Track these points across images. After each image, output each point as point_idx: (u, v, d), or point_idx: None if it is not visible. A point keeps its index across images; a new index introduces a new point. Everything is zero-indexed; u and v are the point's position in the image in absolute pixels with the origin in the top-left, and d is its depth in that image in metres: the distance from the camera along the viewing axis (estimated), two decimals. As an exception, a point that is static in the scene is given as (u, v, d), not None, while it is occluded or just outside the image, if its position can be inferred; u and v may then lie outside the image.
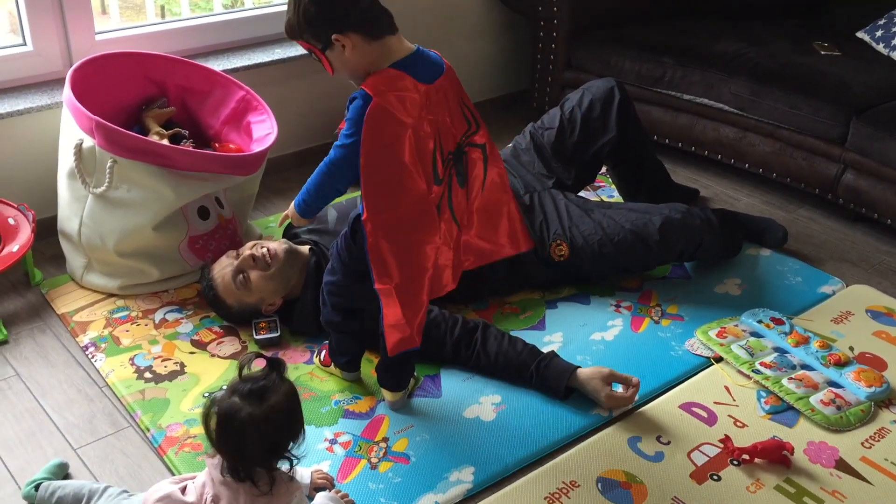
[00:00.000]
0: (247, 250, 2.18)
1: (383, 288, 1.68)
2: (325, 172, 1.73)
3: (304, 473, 1.70)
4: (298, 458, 1.51)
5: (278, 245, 2.19)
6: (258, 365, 1.50)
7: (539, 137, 2.59)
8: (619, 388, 1.97)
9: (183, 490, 1.52)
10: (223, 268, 2.18)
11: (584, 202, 2.42)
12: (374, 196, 1.66)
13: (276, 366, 1.48)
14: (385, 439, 1.88)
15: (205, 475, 1.51)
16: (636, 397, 1.98)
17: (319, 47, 1.66)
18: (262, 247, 2.18)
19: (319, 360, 2.08)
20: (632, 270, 2.46)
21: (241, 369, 1.47)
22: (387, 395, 1.96)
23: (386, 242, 1.68)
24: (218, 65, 2.71)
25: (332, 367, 2.04)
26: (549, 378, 1.99)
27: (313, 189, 1.77)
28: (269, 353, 2.09)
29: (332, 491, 1.71)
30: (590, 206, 2.40)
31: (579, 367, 2.00)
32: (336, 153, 1.70)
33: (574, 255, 2.31)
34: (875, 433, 1.94)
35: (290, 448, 1.49)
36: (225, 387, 1.49)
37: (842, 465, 1.85)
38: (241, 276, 2.15)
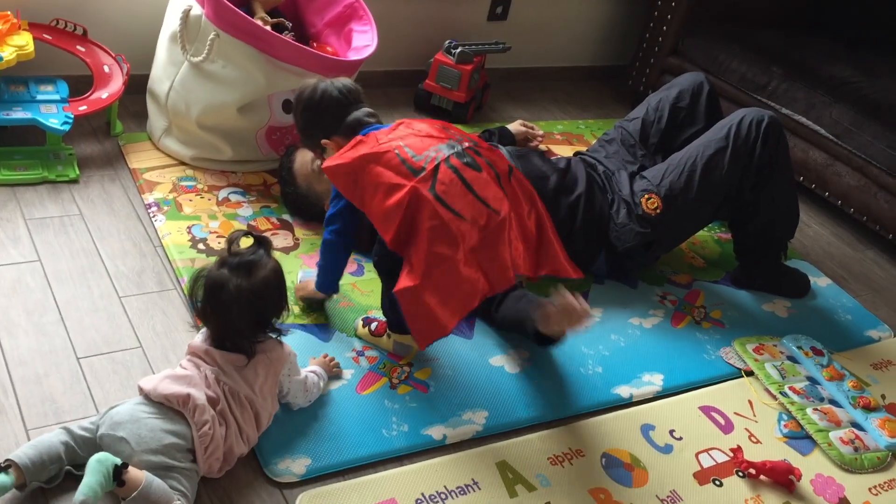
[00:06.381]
0: None
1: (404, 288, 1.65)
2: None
3: (319, 370, 1.77)
4: (283, 332, 1.59)
5: None
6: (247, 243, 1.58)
7: (625, 128, 2.56)
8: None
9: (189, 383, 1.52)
10: (307, 151, 2.26)
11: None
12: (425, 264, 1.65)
13: (263, 243, 1.56)
14: (410, 364, 1.92)
15: (198, 372, 1.53)
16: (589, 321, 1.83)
17: None
18: None
19: (369, 329, 1.97)
20: (734, 196, 2.31)
21: (230, 244, 1.53)
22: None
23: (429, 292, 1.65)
24: (335, -34, 2.71)
25: (384, 337, 1.96)
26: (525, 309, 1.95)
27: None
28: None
29: (322, 356, 1.83)
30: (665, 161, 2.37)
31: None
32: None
33: (667, 202, 2.27)
34: (885, 482, 1.93)
35: (273, 322, 1.57)
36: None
37: (844, 504, 1.86)
38: (319, 161, 2.20)
